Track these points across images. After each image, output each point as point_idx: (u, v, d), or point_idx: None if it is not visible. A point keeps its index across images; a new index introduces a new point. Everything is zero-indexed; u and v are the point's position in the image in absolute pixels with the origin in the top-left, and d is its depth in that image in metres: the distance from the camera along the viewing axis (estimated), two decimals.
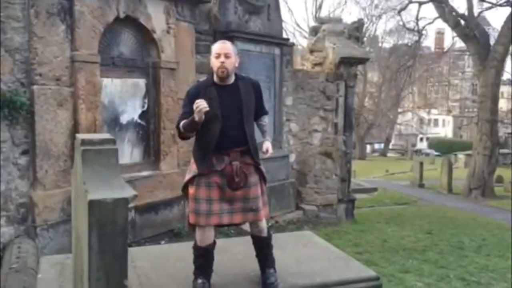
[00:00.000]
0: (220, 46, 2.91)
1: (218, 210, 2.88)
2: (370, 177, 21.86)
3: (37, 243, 4.58)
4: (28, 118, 4.62)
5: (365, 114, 36.09)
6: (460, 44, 24.03)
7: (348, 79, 8.51)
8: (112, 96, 5.46)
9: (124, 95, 5.60)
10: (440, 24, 36.15)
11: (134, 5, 5.41)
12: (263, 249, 3.03)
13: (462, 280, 5.21)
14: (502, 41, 14.70)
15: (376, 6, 31.87)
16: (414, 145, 47.43)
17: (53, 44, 4.72)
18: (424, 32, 30.40)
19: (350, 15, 72.49)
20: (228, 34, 6.37)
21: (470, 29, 15.02)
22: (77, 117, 4.92)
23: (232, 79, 2.95)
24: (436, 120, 53.05)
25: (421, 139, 49.91)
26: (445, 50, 35.59)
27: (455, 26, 15.58)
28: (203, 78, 3.89)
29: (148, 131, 5.86)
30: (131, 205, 3.06)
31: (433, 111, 49.93)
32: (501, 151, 20.84)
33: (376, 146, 46.09)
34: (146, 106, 5.83)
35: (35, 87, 4.63)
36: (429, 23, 26.06)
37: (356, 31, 8.89)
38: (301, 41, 26.94)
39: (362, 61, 9.44)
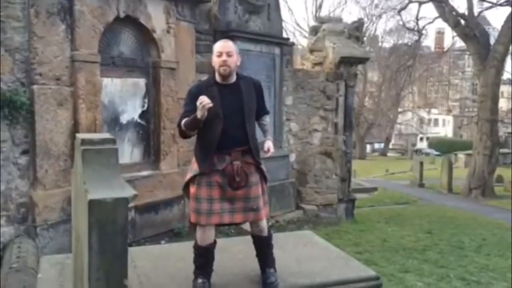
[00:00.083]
0: (222, 45, 2.92)
1: (219, 210, 2.88)
2: (370, 176, 21.85)
3: (37, 242, 4.58)
4: (28, 118, 4.62)
5: (365, 114, 36.07)
6: (460, 43, 24.04)
7: (348, 79, 8.51)
8: (112, 95, 5.46)
9: (124, 95, 5.59)
10: (440, 23, 36.01)
11: (134, 5, 5.41)
12: (263, 248, 3.04)
13: (462, 279, 5.21)
14: (502, 40, 14.70)
15: (376, 6, 31.86)
16: (414, 144, 47.34)
17: (53, 44, 4.72)
18: (424, 31, 30.34)
19: (350, 15, 71.70)
20: (228, 34, 6.35)
21: (470, 28, 15.02)
22: (77, 117, 4.92)
23: (233, 79, 2.96)
24: (436, 120, 53.00)
25: (421, 138, 49.88)
26: (445, 49, 35.65)
27: (455, 25, 15.57)
28: (203, 77, 3.89)
29: (148, 131, 5.86)
30: (131, 204, 3.06)
31: (433, 110, 49.93)
32: (501, 150, 20.82)
33: (376, 145, 46.06)
34: (146, 105, 5.83)
35: (35, 86, 4.63)
36: (429, 23, 26.00)
37: (356, 31, 8.89)
38: (301, 41, 26.95)
39: (362, 60, 9.44)
